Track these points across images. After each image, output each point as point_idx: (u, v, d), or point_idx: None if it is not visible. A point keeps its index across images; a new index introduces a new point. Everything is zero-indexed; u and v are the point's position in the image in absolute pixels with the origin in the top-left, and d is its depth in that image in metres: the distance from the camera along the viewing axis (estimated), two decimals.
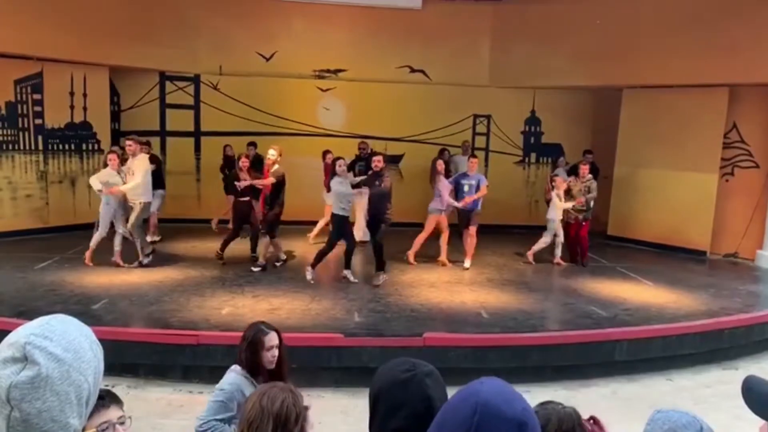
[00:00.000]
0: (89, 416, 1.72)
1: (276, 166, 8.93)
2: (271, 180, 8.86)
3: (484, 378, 1.11)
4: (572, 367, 6.67)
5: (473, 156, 10.53)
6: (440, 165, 9.70)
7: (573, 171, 10.98)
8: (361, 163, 10.75)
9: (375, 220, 8.51)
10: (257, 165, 9.89)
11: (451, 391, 1.54)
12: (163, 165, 11.47)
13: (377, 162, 8.47)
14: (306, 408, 2.74)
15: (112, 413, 1.79)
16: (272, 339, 3.33)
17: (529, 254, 10.11)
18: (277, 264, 9.29)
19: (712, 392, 6.39)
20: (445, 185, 9.49)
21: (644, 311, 7.71)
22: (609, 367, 6.77)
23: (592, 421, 3.08)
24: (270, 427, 2.25)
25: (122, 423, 1.80)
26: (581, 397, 6.18)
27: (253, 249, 9.47)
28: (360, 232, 10.32)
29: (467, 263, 9.65)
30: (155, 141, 11.92)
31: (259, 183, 8.96)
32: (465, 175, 9.73)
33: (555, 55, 12.08)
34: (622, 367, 6.80)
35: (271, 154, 9.05)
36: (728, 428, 5.18)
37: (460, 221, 10.01)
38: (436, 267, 9.66)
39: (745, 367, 7.05)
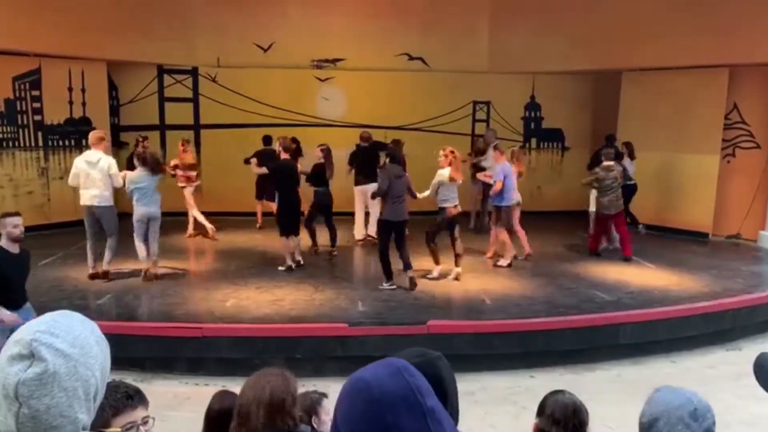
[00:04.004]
0: (116, 415, 1.75)
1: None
2: None
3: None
4: (577, 351, 6.70)
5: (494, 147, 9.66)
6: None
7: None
8: None
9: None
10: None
11: (457, 378, 1.55)
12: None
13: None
14: (323, 395, 2.74)
15: (138, 413, 1.82)
16: None
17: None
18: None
19: (716, 373, 6.42)
20: None
21: (647, 294, 7.72)
22: (613, 350, 6.79)
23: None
24: (261, 413, 2.23)
25: (145, 423, 1.83)
26: (586, 381, 6.20)
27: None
28: (362, 230, 10.24)
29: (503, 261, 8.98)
30: (154, 135, 11.91)
31: None
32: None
33: (554, 40, 12.01)
34: (626, 350, 6.82)
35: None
36: (732, 408, 5.22)
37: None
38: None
39: (748, 348, 7.06)
